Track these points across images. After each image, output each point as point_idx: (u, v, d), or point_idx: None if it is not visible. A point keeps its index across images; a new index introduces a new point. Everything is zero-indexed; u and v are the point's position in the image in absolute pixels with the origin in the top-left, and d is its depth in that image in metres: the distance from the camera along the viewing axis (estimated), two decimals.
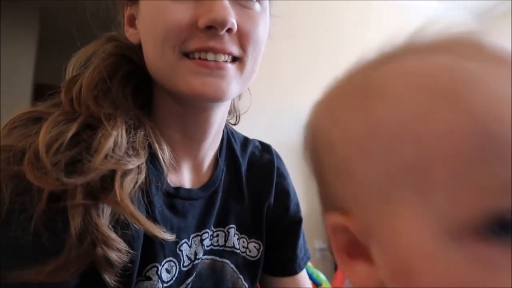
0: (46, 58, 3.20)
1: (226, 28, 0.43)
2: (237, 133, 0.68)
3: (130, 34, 0.52)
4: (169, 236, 0.44)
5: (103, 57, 0.50)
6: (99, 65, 0.48)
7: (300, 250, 0.67)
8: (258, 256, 0.61)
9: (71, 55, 0.52)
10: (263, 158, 0.67)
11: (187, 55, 0.45)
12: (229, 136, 0.64)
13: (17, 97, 2.60)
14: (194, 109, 0.51)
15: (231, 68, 0.46)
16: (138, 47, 0.51)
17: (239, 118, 0.65)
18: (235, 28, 0.44)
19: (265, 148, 0.69)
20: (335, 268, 2.09)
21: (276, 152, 0.69)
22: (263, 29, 0.49)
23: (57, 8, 3.13)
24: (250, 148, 0.66)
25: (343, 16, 2.83)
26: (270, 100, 2.26)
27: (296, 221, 0.67)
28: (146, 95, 0.52)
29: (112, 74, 0.48)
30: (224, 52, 0.45)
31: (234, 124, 0.65)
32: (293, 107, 2.36)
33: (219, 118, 0.54)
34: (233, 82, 0.46)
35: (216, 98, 0.45)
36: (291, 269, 0.65)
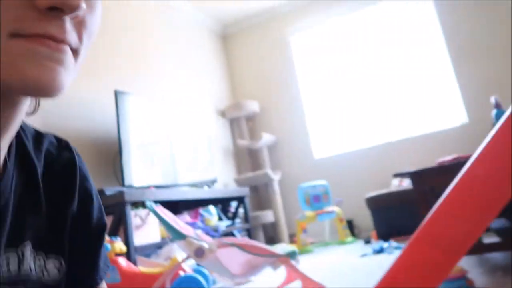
0: None
1: (74, 14, 0.35)
2: (27, 126, 0.53)
3: None
4: None
5: None
6: None
7: (102, 259, 0.59)
8: (59, 278, 0.50)
9: None
10: (62, 157, 0.55)
11: (17, 35, 0.33)
12: (19, 131, 0.49)
13: None
14: (5, 101, 0.37)
15: (69, 53, 0.37)
16: None
17: (39, 106, 0.51)
18: (82, 15, 0.37)
19: (63, 144, 0.57)
20: None
21: (75, 149, 0.59)
22: (99, 20, 0.42)
23: None
24: (45, 145, 0.53)
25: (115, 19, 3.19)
26: None
27: (100, 228, 0.58)
28: None
29: None
30: (64, 43, 0.36)
31: (31, 114, 0.50)
32: (80, 99, 2.46)
33: (24, 110, 0.42)
34: (70, 72, 0.37)
35: (52, 91, 0.35)
36: (92, 280, 0.57)
